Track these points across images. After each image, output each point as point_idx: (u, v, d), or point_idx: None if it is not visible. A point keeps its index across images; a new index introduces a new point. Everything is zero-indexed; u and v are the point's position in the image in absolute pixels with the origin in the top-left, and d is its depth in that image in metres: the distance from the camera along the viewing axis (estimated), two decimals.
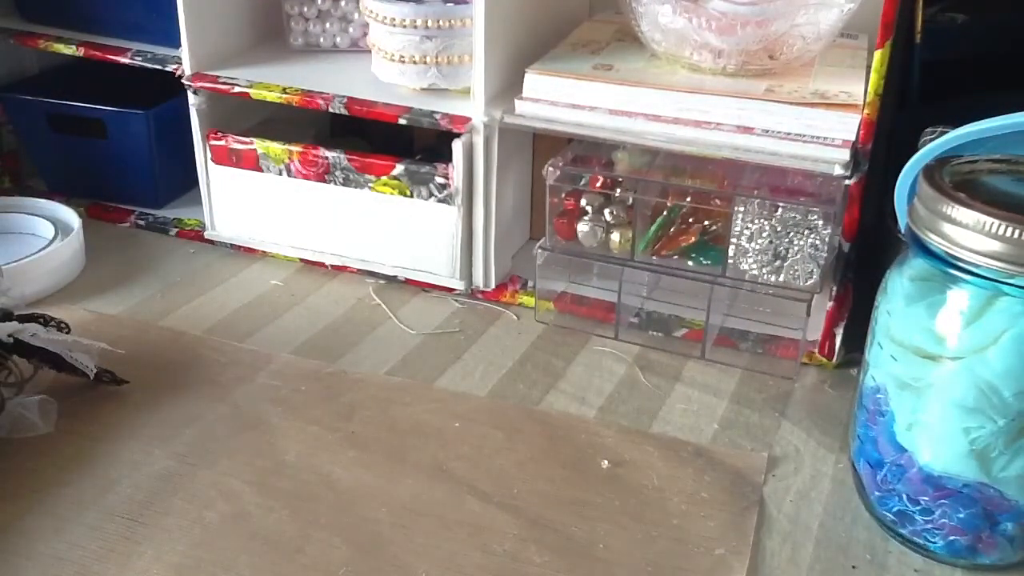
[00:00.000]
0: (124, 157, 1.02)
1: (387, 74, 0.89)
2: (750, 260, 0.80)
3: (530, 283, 0.91)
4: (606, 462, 0.70)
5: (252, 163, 0.92)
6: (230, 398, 0.76)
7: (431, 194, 0.87)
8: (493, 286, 0.91)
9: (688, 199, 0.82)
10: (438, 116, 0.85)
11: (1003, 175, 0.60)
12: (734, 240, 0.79)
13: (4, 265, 0.83)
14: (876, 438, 0.64)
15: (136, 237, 1.01)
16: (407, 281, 0.93)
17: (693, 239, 0.83)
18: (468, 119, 0.84)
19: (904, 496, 0.62)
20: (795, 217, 0.77)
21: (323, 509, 0.65)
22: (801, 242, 0.78)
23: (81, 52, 0.98)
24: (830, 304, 0.80)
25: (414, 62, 0.87)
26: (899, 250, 0.63)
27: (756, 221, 0.78)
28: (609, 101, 0.80)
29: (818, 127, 0.75)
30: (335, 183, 0.90)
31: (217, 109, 0.94)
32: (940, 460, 0.60)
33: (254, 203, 0.95)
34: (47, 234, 0.95)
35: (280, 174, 0.92)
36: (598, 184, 0.84)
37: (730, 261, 0.80)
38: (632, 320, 0.86)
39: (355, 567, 0.60)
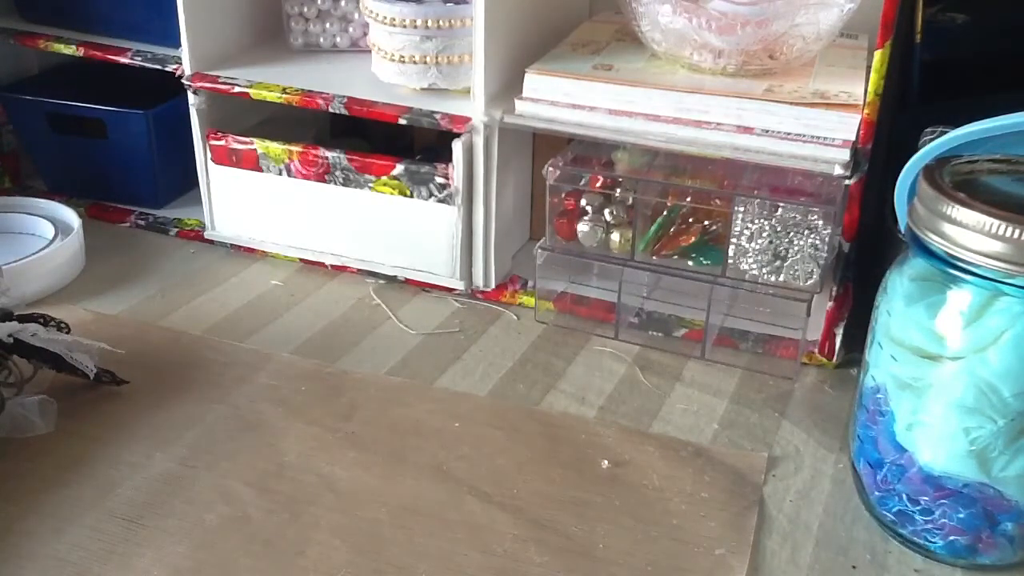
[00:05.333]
0: (124, 157, 1.02)
1: (387, 74, 0.89)
2: (750, 260, 0.80)
3: (530, 283, 0.91)
4: (606, 462, 0.70)
5: (252, 163, 0.92)
6: (230, 399, 0.76)
7: (431, 194, 0.87)
8: (493, 286, 0.91)
9: (688, 199, 0.82)
10: (438, 116, 0.85)
11: (1003, 175, 0.60)
12: (734, 240, 0.79)
13: (4, 265, 0.83)
14: (876, 438, 0.64)
15: (136, 237, 1.01)
16: (407, 281, 0.93)
17: (693, 239, 0.83)
18: (468, 119, 0.84)
19: (904, 496, 0.62)
20: (795, 217, 0.77)
21: (323, 510, 0.65)
22: (801, 242, 0.78)
23: (81, 52, 0.98)
24: (830, 304, 0.80)
25: (414, 62, 0.87)
26: (899, 250, 0.63)
27: (756, 221, 0.78)
28: (609, 101, 0.80)
29: (818, 127, 0.75)
30: (335, 183, 0.90)
31: (217, 109, 0.94)
32: (940, 460, 0.60)
33: (254, 203, 0.95)
34: (47, 234, 0.95)
35: (280, 174, 0.92)
36: (598, 184, 0.84)
37: (730, 261, 0.80)
38: (632, 320, 0.86)
39: (355, 568, 0.60)
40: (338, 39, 0.99)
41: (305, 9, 0.97)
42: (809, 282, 0.79)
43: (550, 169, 0.83)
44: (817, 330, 0.81)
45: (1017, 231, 0.53)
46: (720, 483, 0.68)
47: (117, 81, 1.02)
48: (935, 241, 0.57)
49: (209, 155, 0.94)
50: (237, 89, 0.91)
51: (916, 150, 0.68)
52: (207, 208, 0.97)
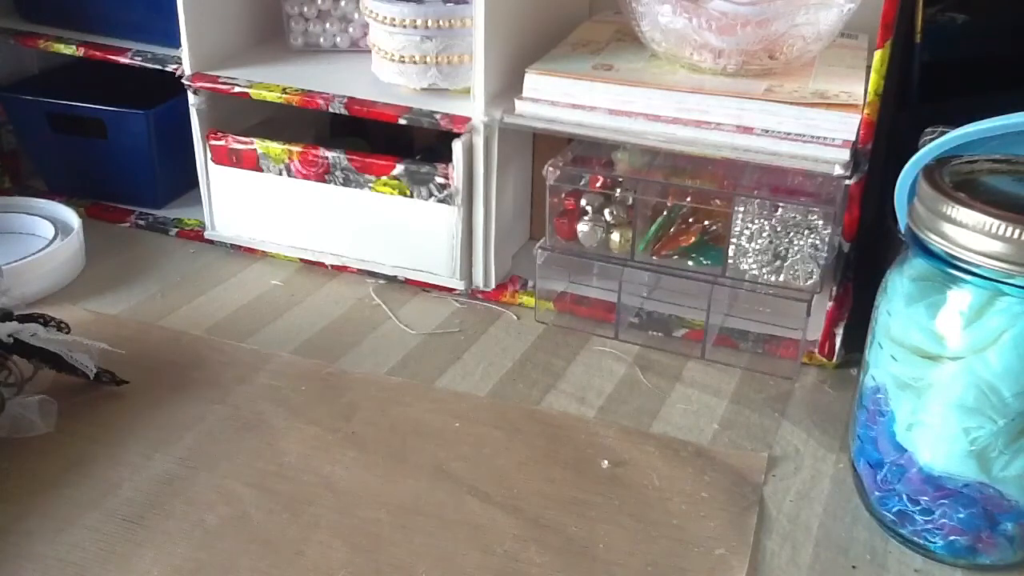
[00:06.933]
0: (124, 157, 1.02)
1: (387, 74, 0.89)
2: (750, 260, 0.80)
3: (530, 283, 0.91)
4: (606, 462, 0.70)
5: (252, 163, 0.92)
6: (230, 399, 0.76)
7: (431, 194, 0.87)
8: (493, 286, 0.91)
9: (688, 199, 0.82)
10: (438, 116, 0.85)
11: (1003, 175, 0.60)
12: (734, 240, 0.79)
13: (4, 265, 0.83)
14: (876, 438, 0.64)
15: (136, 237, 1.01)
16: (407, 281, 0.93)
17: (693, 239, 0.83)
18: (468, 119, 0.84)
19: (904, 496, 0.62)
20: (795, 217, 0.77)
21: (323, 510, 0.65)
22: (801, 242, 0.78)
23: (81, 52, 0.98)
24: (830, 304, 0.80)
25: (414, 62, 0.87)
26: (899, 250, 0.63)
27: (756, 221, 0.78)
28: (609, 101, 0.80)
29: (818, 127, 0.75)
30: (335, 183, 0.90)
31: (217, 109, 0.94)
32: (940, 460, 0.60)
33: (254, 203, 0.95)
34: (47, 234, 0.95)
35: (280, 174, 0.92)
36: (598, 184, 0.84)
37: (730, 261, 0.80)
38: (632, 320, 0.86)
39: (355, 568, 0.60)
40: (338, 39, 0.99)
41: (305, 9, 0.97)
42: (809, 282, 0.79)
43: (550, 169, 0.83)
44: (817, 330, 0.81)
45: (1017, 231, 0.53)
46: (720, 483, 0.68)
47: (117, 81, 1.02)
48: (935, 241, 0.57)
49: (209, 155, 0.94)
50: (237, 89, 0.91)
51: (916, 150, 0.68)
52: (207, 208, 0.97)
